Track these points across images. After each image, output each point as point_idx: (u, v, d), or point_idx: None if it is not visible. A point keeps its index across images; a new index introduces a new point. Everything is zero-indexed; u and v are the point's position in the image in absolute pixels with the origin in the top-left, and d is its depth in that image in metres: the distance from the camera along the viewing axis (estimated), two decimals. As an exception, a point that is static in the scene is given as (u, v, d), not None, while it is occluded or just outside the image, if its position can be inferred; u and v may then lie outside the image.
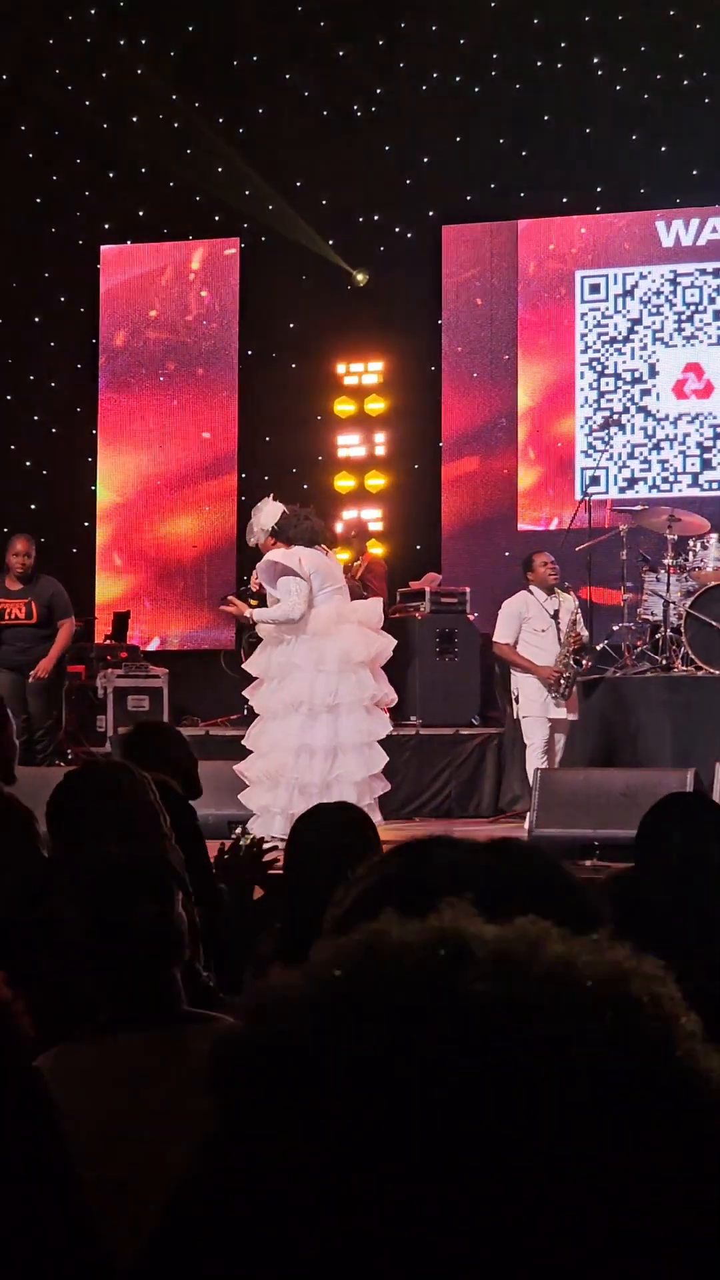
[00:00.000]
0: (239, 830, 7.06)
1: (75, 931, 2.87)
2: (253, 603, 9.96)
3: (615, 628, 12.27)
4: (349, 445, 15.63)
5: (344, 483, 15.53)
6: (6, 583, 12.02)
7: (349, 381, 15.58)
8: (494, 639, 11.30)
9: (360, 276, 15.55)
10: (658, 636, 12.03)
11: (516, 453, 15.34)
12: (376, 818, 9.55)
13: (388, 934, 0.87)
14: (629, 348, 15.07)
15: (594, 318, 15.18)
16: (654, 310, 15.02)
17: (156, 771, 4.83)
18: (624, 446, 15.00)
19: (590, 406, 15.15)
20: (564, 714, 10.95)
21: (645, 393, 14.99)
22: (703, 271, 14.90)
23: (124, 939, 2.74)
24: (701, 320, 14.89)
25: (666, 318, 14.98)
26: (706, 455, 14.80)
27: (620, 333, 15.10)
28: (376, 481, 15.54)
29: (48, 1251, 1.72)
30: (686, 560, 12.07)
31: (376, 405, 15.51)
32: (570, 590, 11.35)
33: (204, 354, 15.96)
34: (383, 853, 1.47)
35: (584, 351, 15.21)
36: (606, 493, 14.62)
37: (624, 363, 15.08)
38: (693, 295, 14.93)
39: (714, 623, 11.49)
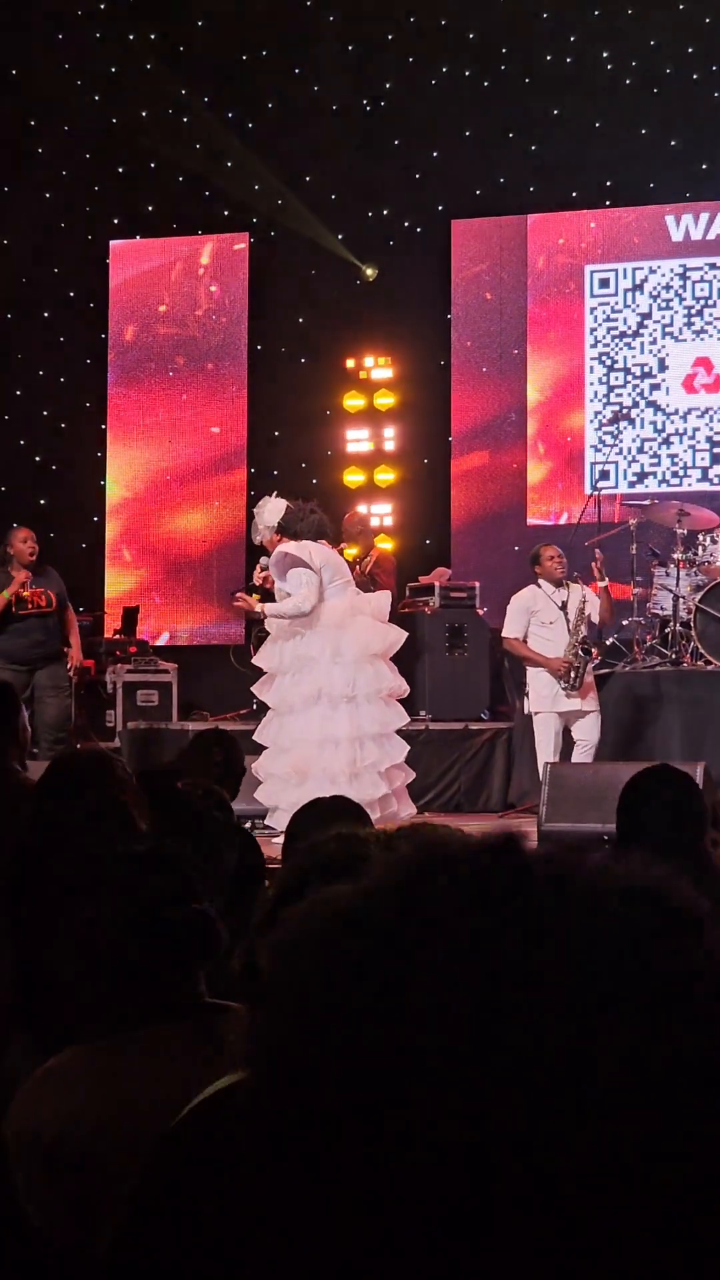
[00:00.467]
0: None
1: (102, 926, 2.85)
2: (256, 597, 9.94)
3: (625, 622, 12.26)
4: (358, 440, 15.62)
5: (353, 477, 15.52)
6: (15, 572, 11.44)
7: (358, 376, 15.58)
8: (503, 634, 11.29)
9: (369, 271, 15.55)
10: (667, 631, 12.03)
11: (526, 447, 15.33)
12: (407, 807, 9.58)
13: (447, 843, 0.89)
14: (638, 342, 15.06)
15: (603, 312, 15.17)
16: (663, 305, 15.00)
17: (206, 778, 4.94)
18: (633, 441, 14.99)
19: (600, 401, 15.14)
20: (576, 705, 10.92)
21: (655, 387, 14.97)
22: (712, 266, 14.88)
23: (160, 936, 2.72)
24: (711, 314, 14.87)
25: (676, 312, 14.96)
26: (716, 450, 14.78)
27: (630, 327, 15.08)
28: (386, 476, 15.52)
29: None
30: (696, 555, 12.06)
31: (386, 400, 15.50)
32: (581, 581, 11.29)
33: (213, 349, 15.96)
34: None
35: (593, 346, 15.20)
36: (616, 487, 14.62)
37: (633, 357, 15.07)
38: (702, 290, 14.91)
39: (724, 617, 11.49)
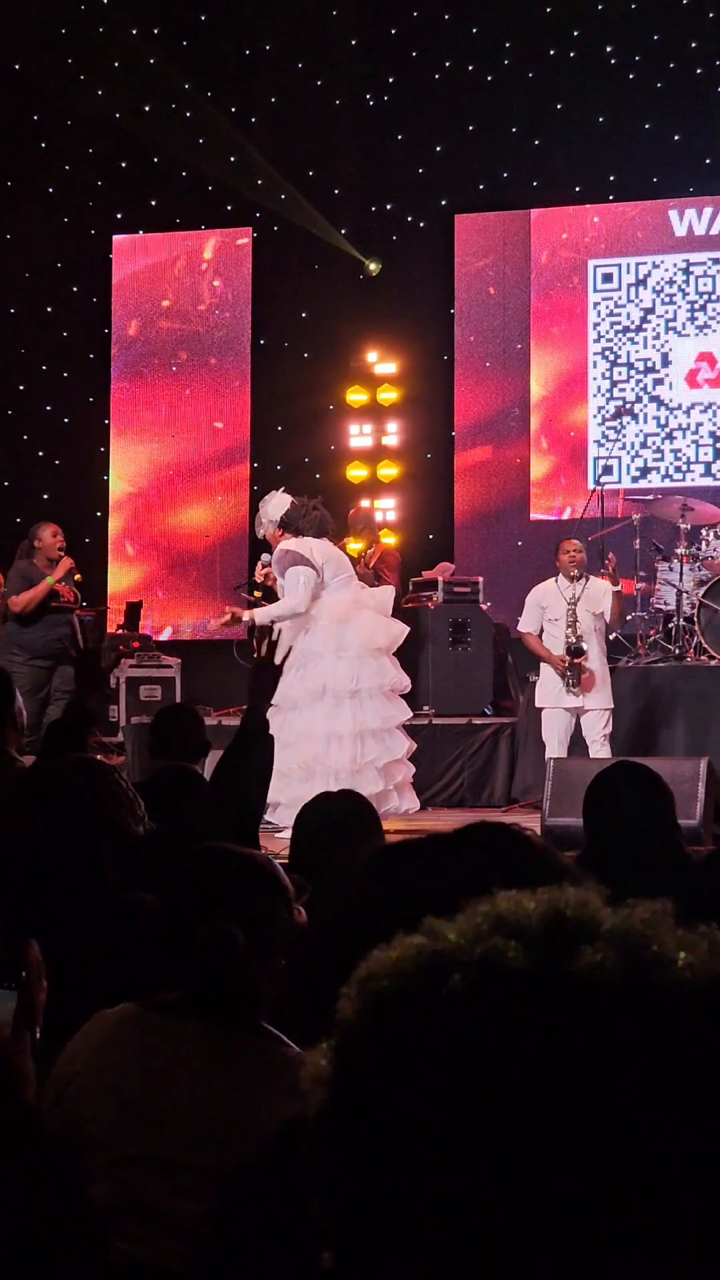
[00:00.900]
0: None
1: (158, 917, 2.86)
2: (257, 594, 9.91)
3: (628, 618, 12.26)
4: (361, 435, 15.62)
5: (356, 472, 15.52)
6: (45, 569, 11.26)
7: (362, 371, 15.57)
8: (518, 628, 11.34)
9: (373, 266, 15.55)
10: (670, 626, 12.03)
11: (529, 442, 15.33)
12: (410, 801, 9.58)
13: (518, 908, 0.95)
14: (642, 337, 15.05)
15: (607, 307, 15.16)
16: (667, 299, 15.00)
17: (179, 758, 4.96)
18: (636, 436, 14.99)
19: (603, 396, 15.14)
20: (579, 701, 10.92)
21: (658, 382, 14.97)
22: (715, 260, 14.87)
23: (218, 937, 2.67)
24: (714, 309, 14.87)
25: (679, 307, 14.96)
26: (719, 444, 14.78)
27: (633, 322, 15.08)
28: (389, 471, 15.52)
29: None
30: (699, 549, 12.06)
31: (389, 395, 15.49)
32: (604, 575, 11.17)
33: (216, 344, 15.97)
34: (384, 839, 1.50)
35: (597, 340, 15.20)
36: (619, 482, 14.61)
37: (637, 352, 15.06)
38: (705, 284, 14.91)
39: (727, 612, 11.49)
